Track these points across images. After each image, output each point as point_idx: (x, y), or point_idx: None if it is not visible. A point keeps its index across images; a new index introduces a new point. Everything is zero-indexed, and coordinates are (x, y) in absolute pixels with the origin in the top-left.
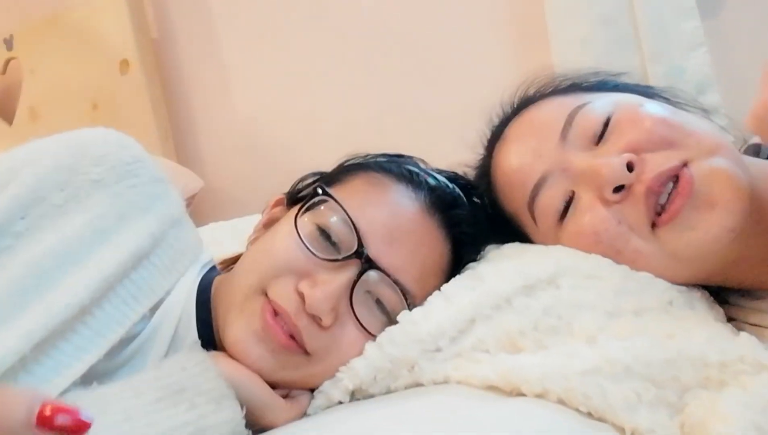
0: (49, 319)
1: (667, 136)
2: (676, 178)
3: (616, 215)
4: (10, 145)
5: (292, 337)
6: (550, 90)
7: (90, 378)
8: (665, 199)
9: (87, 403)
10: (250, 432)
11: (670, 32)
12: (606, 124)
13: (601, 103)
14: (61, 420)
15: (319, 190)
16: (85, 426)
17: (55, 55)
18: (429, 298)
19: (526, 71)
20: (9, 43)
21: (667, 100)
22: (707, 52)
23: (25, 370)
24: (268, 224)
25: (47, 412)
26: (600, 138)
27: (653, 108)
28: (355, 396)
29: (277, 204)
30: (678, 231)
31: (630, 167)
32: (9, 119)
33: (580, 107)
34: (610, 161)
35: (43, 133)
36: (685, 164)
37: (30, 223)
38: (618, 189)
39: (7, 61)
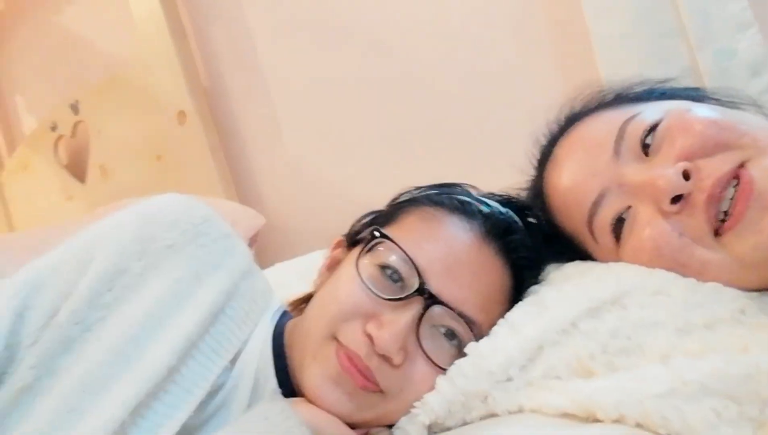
0: (142, 385)
1: (721, 139)
2: (736, 182)
3: (677, 227)
4: (86, 201)
5: (366, 378)
6: (596, 104)
7: (183, 433)
8: (727, 205)
9: None
10: None
11: (715, 16)
12: (656, 133)
13: (650, 113)
14: None
15: (376, 232)
16: None
17: (118, 114)
18: (495, 328)
19: (569, 77)
20: (75, 108)
21: (717, 101)
22: (758, 32)
23: (125, 434)
24: (331, 267)
25: None
26: (652, 148)
27: (703, 111)
28: (431, 430)
29: (337, 246)
30: (743, 235)
31: (686, 176)
32: (82, 178)
33: (630, 120)
34: (665, 172)
35: (115, 188)
36: (742, 165)
37: (116, 294)
38: (676, 199)
39: (76, 125)
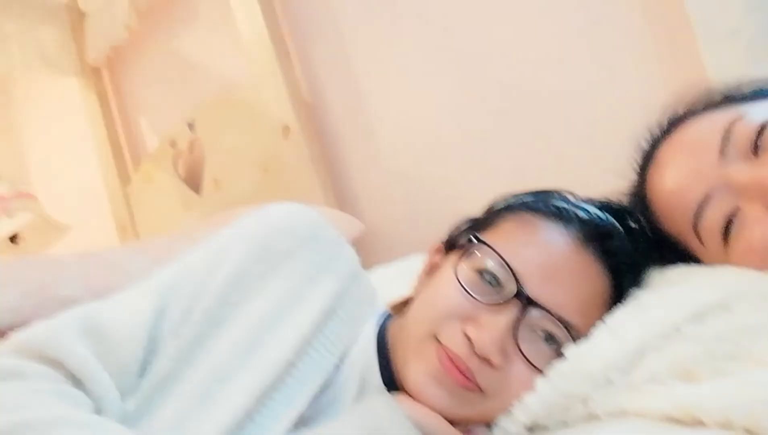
0: (264, 376)
1: None
2: None
3: None
4: (202, 210)
5: (467, 377)
6: (702, 106)
7: (299, 424)
8: None
9: None
10: None
11: None
12: (766, 132)
13: (759, 113)
14: None
15: (473, 239)
16: None
17: (229, 130)
18: (595, 332)
19: (674, 75)
20: (192, 126)
21: None
22: None
23: (251, 420)
24: (430, 271)
25: None
26: (761, 148)
27: None
28: (532, 430)
29: (436, 252)
30: None
31: None
32: (198, 189)
33: (737, 119)
34: None
35: (226, 198)
36: None
37: (240, 295)
38: None
39: (192, 141)
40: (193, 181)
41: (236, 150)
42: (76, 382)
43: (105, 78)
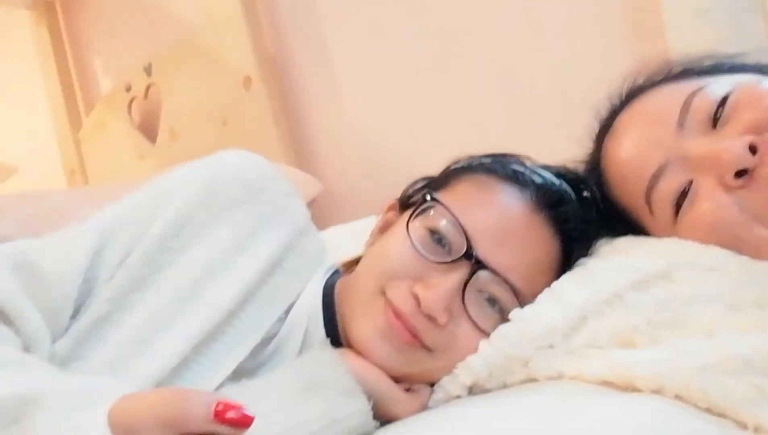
0: (203, 324)
1: None
2: None
3: (738, 202)
4: (156, 161)
5: (413, 334)
6: (661, 78)
7: (238, 375)
8: None
9: (237, 397)
10: (378, 423)
11: None
12: (724, 106)
13: (718, 86)
14: (231, 415)
15: (428, 196)
16: (250, 420)
17: (188, 78)
18: (540, 296)
19: (639, 51)
20: (148, 71)
21: None
22: None
23: (186, 367)
24: (383, 229)
25: (220, 408)
26: (719, 121)
27: None
28: (472, 390)
29: (390, 209)
30: None
31: (753, 149)
32: (153, 139)
33: (696, 92)
34: (730, 145)
35: (182, 150)
36: None
37: (183, 240)
38: (740, 174)
39: (148, 87)
40: (148, 129)
41: (195, 99)
42: (5, 318)
43: (58, 13)
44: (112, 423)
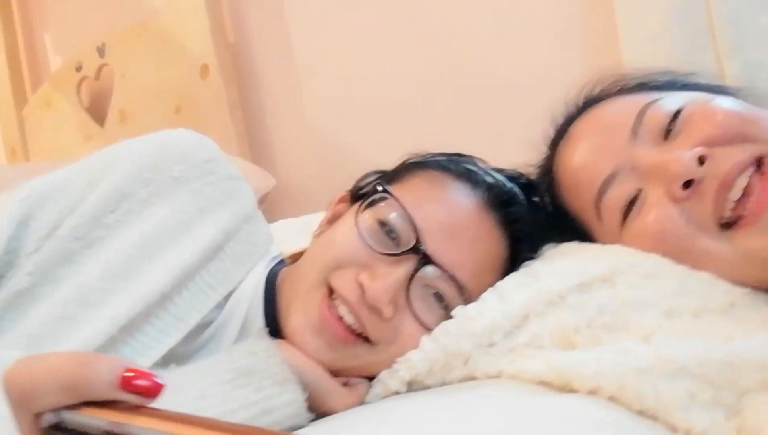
0: (134, 304)
1: (742, 130)
2: (750, 172)
3: (684, 213)
4: (102, 144)
5: (351, 329)
6: (617, 89)
7: (170, 360)
8: (737, 195)
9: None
10: (312, 415)
11: (747, 27)
12: (677, 120)
13: (672, 100)
14: (139, 382)
15: (379, 188)
16: (160, 387)
17: (142, 61)
18: (484, 295)
19: (594, 68)
20: (101, 51)
21: (740, 99)
22: None
23: (113, 349)
24: (332, 220)
25: (128, 375)
26: (670, 134)
27: (726, 102)
28: (411, 387)
29: (340, 201)
30: (758, 234)
31: (701, 161)
32: (101, 121)
33: (651, 103)
34: (680, 155)
35: (132, 135)
36: (760, 159)
37: (119, 216)
38: (687, 184)
39: (100, 68)
40: (97, 111)
41: (148, 84)
42: None
43: None
44: (5, 389)
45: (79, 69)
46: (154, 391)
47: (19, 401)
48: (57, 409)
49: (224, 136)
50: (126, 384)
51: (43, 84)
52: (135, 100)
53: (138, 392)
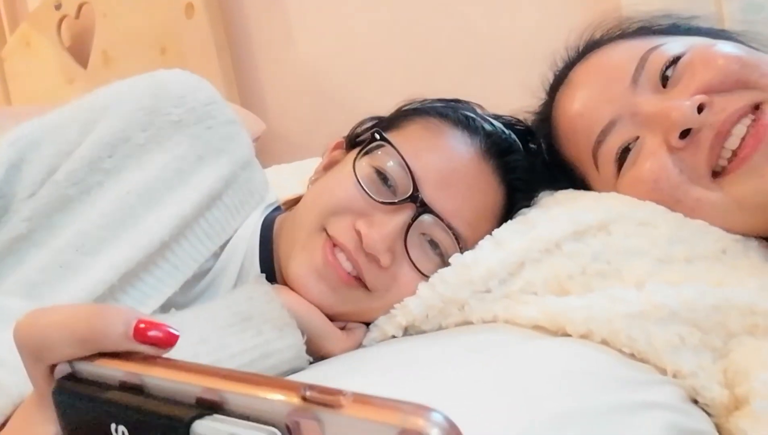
0: (134, 253)
1: (742, 76)
2: (749, 121)
3: (679, 163)
4: (86, 87)
5: (350, 273)
6: (618, 33)
7: (167, 309)
8: (735, 144)
9: None
10: (311, 359)
11: None
12: (678, 66)
13: (674, 45)
14: (153, 333)
15: (377, 135)
16: (174, 338)
17: (125, 0)
18: (481, 242)
19: (592, 14)
20: None
21: (742, 43)
22: None
23: (113, 298)
24: (328, 166)
25: (142, 326)
26: (669, 80)
27: (727, 47)
28: (408, 331)
29: (336, 147)
30: (746, 178)
31: (701, 109)
32: (84, 63)
33: (653, 49)
34: (680, 104)
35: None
36: (757, 106)
37: (116, 161)
38: (685, 133)
39: (80, 6)
40: (79, 52)
41: (132, 23)
42: None
43: None
44: (18, 342)
45: (58, 7)
46: (168, 341)
47: (33, 353)
48: (71, 361)
49: (211, 79)
50: (140, 335)
51: (21, 24)
52: (118, 41)
53: (152, 343)
